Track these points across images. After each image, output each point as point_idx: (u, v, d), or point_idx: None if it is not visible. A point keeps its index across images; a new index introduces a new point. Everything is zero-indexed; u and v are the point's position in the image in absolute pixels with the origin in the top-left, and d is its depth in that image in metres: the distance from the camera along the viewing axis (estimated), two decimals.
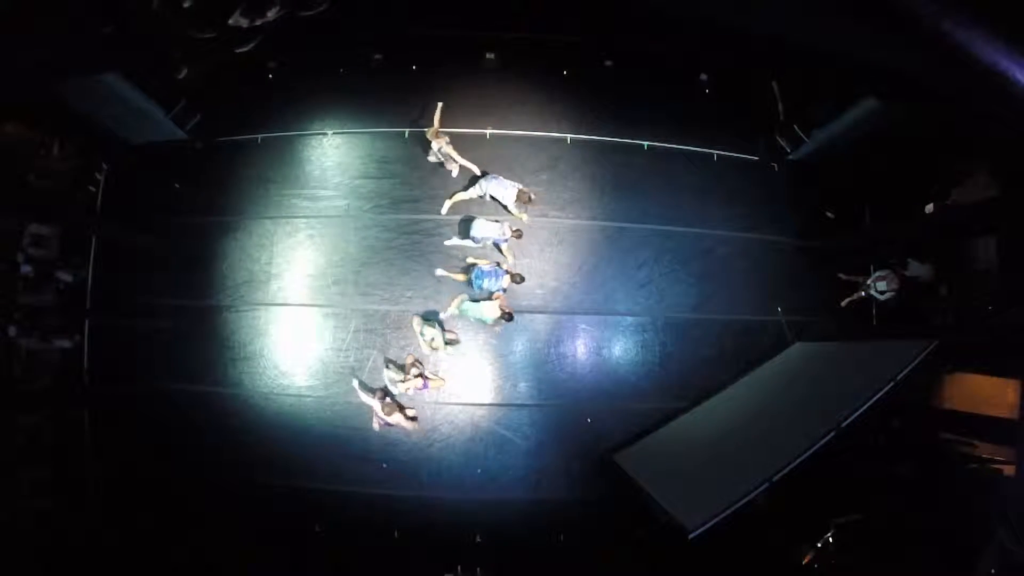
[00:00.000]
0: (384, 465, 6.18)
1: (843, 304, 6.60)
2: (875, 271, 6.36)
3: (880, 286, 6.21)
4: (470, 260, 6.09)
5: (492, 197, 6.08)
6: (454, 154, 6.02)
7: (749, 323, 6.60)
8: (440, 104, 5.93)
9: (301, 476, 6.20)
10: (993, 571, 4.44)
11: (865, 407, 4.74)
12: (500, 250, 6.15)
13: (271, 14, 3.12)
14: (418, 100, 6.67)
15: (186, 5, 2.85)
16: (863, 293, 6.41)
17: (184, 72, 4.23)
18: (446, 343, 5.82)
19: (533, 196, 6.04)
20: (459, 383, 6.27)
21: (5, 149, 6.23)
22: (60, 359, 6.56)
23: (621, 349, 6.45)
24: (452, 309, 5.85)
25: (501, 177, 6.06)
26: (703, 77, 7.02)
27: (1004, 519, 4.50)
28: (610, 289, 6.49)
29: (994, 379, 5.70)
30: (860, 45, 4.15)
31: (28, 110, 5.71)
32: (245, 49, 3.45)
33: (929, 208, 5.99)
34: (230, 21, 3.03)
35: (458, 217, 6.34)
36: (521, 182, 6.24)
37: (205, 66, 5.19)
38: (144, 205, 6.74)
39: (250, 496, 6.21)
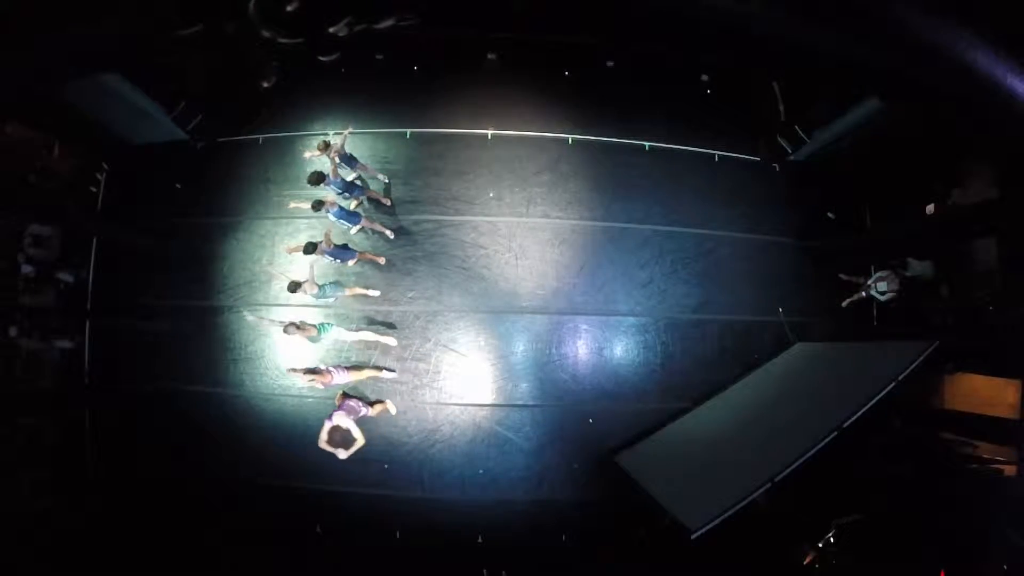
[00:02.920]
0: (385, 466, 6.17)
1: (844, 304, 6.61)
2: (876, 272, 6.37)
3: (880, 287, 6.23)
4: None
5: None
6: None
7: (750, 323, 6.61)
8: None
9: (302, 476, 6.18)
10: (1005, 567, 4.45)
11: (866, 407, 4.75)
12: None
13: (383, 26, 3.10)
14: (419, 100, 6.68)
15: (289, 9, 2.84)
16: (864, 294, 6.42)
17: (273, 80, 4.19)
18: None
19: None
20: (461, 384, 6.28)
21: (5, 149, 6.23)
22: (60, 359, 6.55)
23: (622, 350, 6.46)
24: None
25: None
26: (704, 77, 7.04)
27: (1010, 521, 4.52)
28: (611, 290, 6.49)
29: (994, 379, 5.72)
30: (860, 45, 4.15)
31: (28, 110, 5.70)
32: (329, 58, 3.44)
33: (929, 208, 6.00)
34: (331, 30, 3.02)
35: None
36: (523, 183, 6.25)
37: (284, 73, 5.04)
38: (144, 205, 6.73)
39: (250, 496, 6.20)
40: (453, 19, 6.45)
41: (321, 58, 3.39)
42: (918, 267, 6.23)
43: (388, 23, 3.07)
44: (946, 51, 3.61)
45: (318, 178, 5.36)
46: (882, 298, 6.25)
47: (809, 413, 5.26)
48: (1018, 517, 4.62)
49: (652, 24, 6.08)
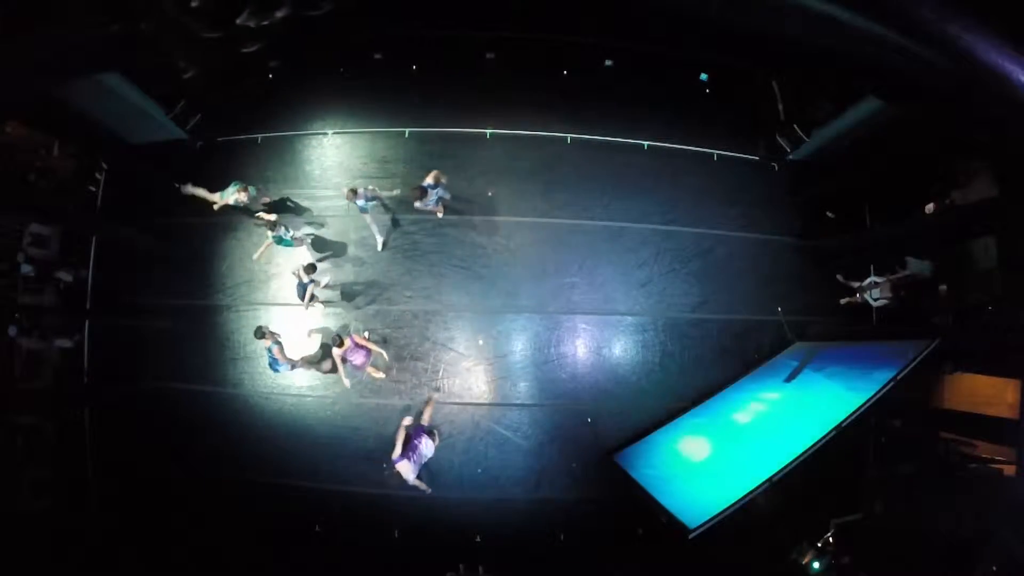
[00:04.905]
0: (384, 465, 6.16)
1: (842, 303, 6.59)
2: (870, 277, 6.24)
3: (874, 293, 6.10)
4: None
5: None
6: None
7: (749, 323, 6.60)
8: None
9: (301, 476, 6.20)
10: (994, 568, 4.44)
11: (865, 407, 4.74)
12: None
13: (279, 14, 3.09)
14: (418, 100, 6.69)
15: (194, 4, 2.84)
16: (859, 297, 6.35)
17: (191, 73, 4.24)
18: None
19: None
20: (459, 383, 6.27)
21: (5, 149, 6.24)
22: (60, 359, 6.55)
23: (621, 349, 6.45)
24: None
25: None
26: (703, 77, 7.04)
27: (1008, 520, 4.51)
28: (610, 289, 6.48)
29: (994, 379, 5.71)
30: (860, 45, 4.13)
31: (28, 110, 5.70)
32: (251, 49, 3.44)
33: (929, 208, 5.99)
34: (237, 21, 3.01)
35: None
36: (522, 182, 6.25)
37: (211, 67, 5.14)
38: (144, 205, 6.73)
39: (250, 496, 6.21)
40: (451, 18, 6.45)
41: (243, 50, 3.39)
42: (917, 265, 6.20)
43: (281, 11, 3.06)
44: (947, 47, 3.58)
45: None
46: (875, 304, 6.13)
47: (808, 412, 5.25)
48: (1014, 518, 4.61)
49: (651, 22, 6.08)
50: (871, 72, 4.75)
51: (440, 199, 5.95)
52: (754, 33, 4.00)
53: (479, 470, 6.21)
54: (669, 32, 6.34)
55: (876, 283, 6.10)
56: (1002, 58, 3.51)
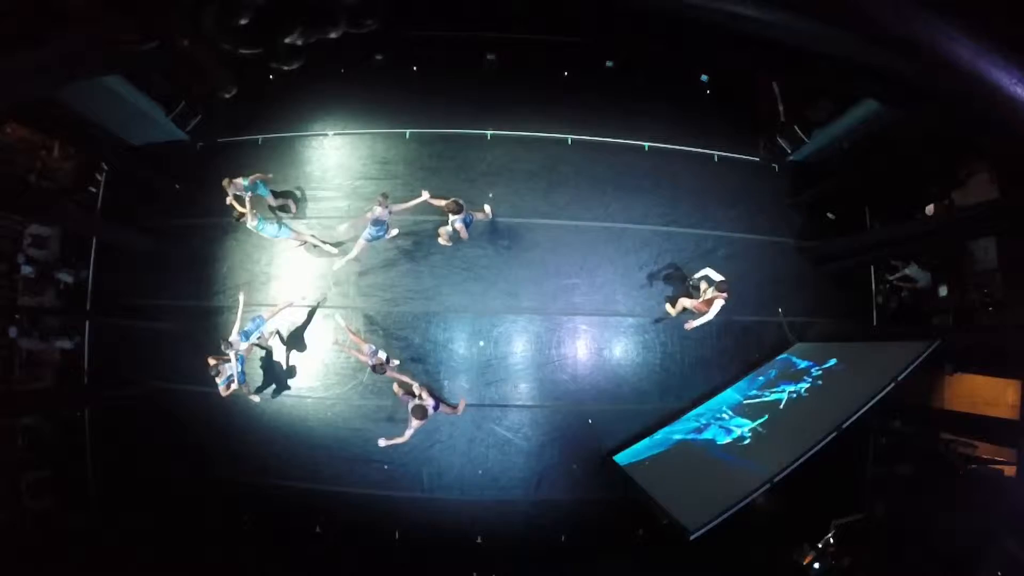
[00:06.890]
0: (385, 466, 6.17)
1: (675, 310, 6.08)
2: (704, 270, 5.66)
3: (709, 293, 5.52)
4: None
5: None
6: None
7: (750, 323, 6.60)
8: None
9: (301, 477, 6.20)
10: (999, 574, 4.44)
11: (865, 408, 4.75)
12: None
13: (333, 34, 3.12)
14: (419, 101, 6.69)
15: (242, 23, 2.85)
16: (689, 287, 5.89)
17: (234, 91, 4.26)
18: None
19: None
20: (460, 384, 6.28)
21: (5, 149, 6.24)
22: (60, 359, 6.56)
23: (622, 350, 6.45)
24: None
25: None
26: (704, 78, 7.04)
27: (1009, 522, 4.51)
28: (611, 290, 6.48)
29: (994, 379, 5.73)
30: (860, 49, 4.14)
31: (29, 111, 5.71)
32: (292, 68, 3.46)
33: (929, 209, 6.00)
34: (287, 40, 3.03)
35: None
36: (522, 183, 6.28)
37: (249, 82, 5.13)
38: (144, 205, 6.73)
39: (250, 496, 6.22)
40: (451, 19, 6.44)
41: (284, 68, 3.41)
42: (918, 273, 6.22)
43: (340, 31, 3.09)
44: (946, 52, 3.59)
45: None
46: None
47: (808, 413, 5.26)
48: (1016, 522, 4.61)
49: (651, 24, 6.07)
50: (867, 78, 4.75)
51: (470, 222, 5.69)
52: (756, 36, 4.01)
53: (480, 471, 6.21)
54: (669, 33, 6.33)
55: (711, 280, 5.55)
56: (998, 67, 3.52)
